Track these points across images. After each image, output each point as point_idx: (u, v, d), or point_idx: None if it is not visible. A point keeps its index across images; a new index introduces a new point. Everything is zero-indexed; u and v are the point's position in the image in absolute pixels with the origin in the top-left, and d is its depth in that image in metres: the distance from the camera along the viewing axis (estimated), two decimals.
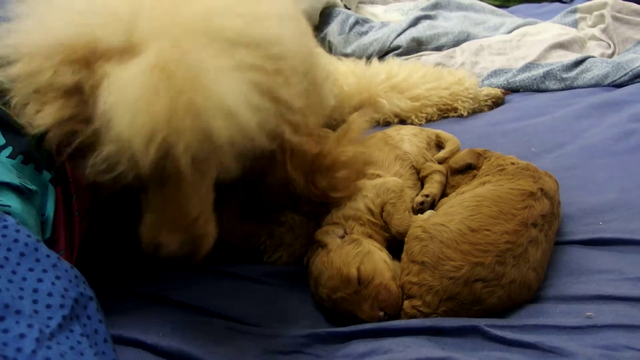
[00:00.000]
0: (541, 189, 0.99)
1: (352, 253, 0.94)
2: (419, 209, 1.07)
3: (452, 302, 0.88)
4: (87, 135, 0.73)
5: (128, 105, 0.67)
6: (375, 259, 0.94)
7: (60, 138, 0.75)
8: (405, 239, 0.97)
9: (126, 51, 0.70)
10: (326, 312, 0.96)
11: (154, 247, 0.80)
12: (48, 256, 0.65)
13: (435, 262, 0.89)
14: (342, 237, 0.98)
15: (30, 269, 0.63)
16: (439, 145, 1.27)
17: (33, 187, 0.74)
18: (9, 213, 0.69)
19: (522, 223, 0.92)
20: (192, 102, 0.68)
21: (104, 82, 0.69)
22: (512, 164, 1.07)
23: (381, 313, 0.89)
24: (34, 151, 0.76)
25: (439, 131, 1.30)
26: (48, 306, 0.61)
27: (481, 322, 0.85)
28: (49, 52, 0.73)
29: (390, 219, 1.01)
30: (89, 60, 0.72)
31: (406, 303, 0.91)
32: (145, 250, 0.81)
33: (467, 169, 1.13)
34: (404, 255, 0.95)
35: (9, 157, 0.74)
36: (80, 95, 0.73)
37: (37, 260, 0.64)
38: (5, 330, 0.56)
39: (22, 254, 0.63)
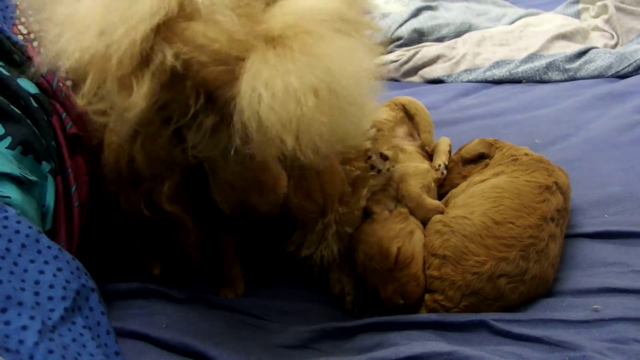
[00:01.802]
0: (556, 183, 0.98)
1: (396, 228, 0.93)
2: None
3: (475, 298, 0.87)
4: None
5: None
6: (416, 241, 0.93)
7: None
8: (425, 233, 0.95)
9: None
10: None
11: (240, 211, 0.79)
12: (49, 248, 0.64)
13: (458, 257, 0.88)
14: (391, 211, 0.97)
15: (32, 261, 0.62)
16: (408, 115, 1.21)
17: (33, 178, 0.73)
18: (9, 204, 0.67)
19: (542, 217, 0.91)
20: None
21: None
22: (526, 155, 1.06)
23: (401, 301, 0.89)
24: (34, 141, 0.75)
25: (404, 99, 1.23)
26: (50, 298, 0.60)
27: (488, 317, 0.84)
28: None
29: (403, 184, 1.00)
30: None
31: (427, 297, 0.90)
32: (230, 213, 0.80)
33: (479, 159, 1.11)
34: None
35: (8, 147, 0.72)
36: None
37: (39, 251, 0.63)
38: (7, 322, 0.55)
39: (23, 246, 0.62)
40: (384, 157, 1.02)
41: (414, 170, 1.03)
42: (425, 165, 1.08)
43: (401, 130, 1.18)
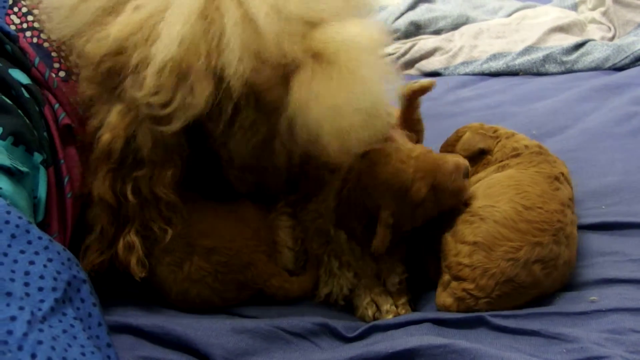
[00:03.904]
0: (562, 174, 0.96)
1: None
2: None
3: (509, 286, 0.83)
4: None
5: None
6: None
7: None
8: (453, 224, 0.90)
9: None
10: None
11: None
12: (40, 238, 0.63)
13: (491, 243, 0.84)
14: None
15: (22, 251, 0.61)
16: None
17: (24, 169, 0.72)
18: None
19: (562, 203, 0.90)
20: None
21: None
22: (526, 146, 1.02)
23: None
24: (26, 132, 0.74)
25: None
26: (40, 289, 0.59)
27: (485, 313, 0.83)
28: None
29: None
30: None
31: (455, 284, 0.85)
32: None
33: (480, 155, 1.05)
34: (448, 237, 0.89)
35: None
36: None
37: (29, 242, 0.62)
38: None
39: (13, 236, 0.61)
40: None
41: None
42: None
43: None
